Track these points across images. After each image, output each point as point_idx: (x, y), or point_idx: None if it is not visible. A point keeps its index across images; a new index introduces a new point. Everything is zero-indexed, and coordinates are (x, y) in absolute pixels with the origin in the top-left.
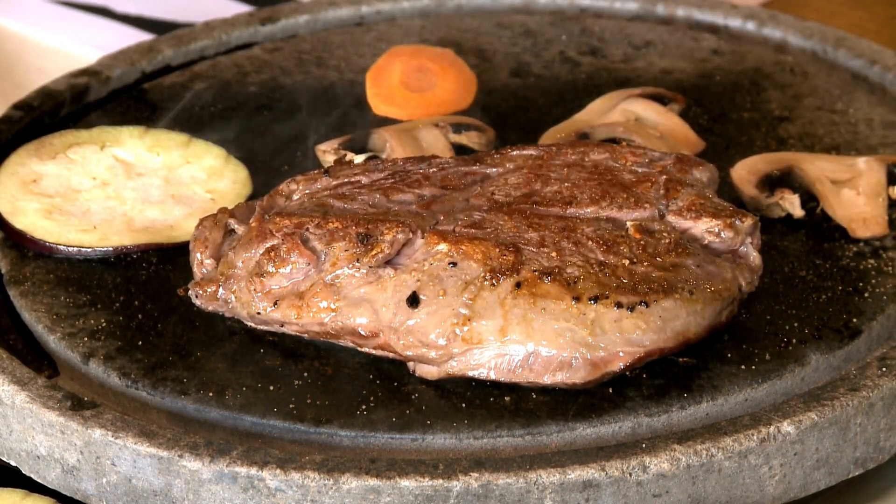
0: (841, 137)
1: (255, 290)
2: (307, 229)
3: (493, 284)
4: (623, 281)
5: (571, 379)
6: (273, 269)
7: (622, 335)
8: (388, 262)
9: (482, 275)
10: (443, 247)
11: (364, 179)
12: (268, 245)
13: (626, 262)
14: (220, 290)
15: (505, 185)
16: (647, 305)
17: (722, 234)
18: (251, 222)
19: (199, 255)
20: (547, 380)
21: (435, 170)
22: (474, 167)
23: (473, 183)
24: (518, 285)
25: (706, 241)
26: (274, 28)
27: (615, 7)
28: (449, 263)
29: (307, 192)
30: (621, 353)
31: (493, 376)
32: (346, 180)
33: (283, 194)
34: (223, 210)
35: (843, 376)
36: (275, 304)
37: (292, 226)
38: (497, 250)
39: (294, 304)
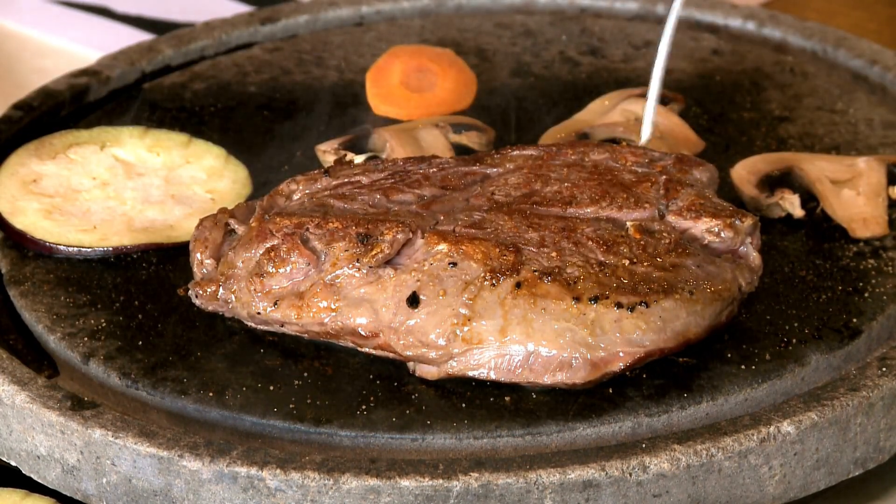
0: (841, 137)
1: (255, 290)
2: (307, 229)
3: (493, 284)
4: (623, 281)
5: (571, 379)
6: (273, 269)
7: (622, 335)
8: (389, 263)
9: (482, 275)
10: (443, 247)
11: (364, 179)
12: (268, 245)
13: (627, 262)
14: (220, 290)
15: (505, 185)
16: (648, 306)
17: (722, 234)
18: (251, 222)
19: (199, 255)
20: (547, 380)
21: (435, 170)
22: (474, 167)
23: (473, 183)
24: (518, 285)
25: (706, 241)
26: (274, 28)
27: (615, 7)
28: (449, 263)
29: (307, 192)
30: (621, 354)
31: (493, 376)
32: (346, 180)
33: (284, 194)
34: (223, 210)
35: (843, 376)
36: (275, 304)
37: (292, 226)
38: (497, 250)
39: (294, 305)
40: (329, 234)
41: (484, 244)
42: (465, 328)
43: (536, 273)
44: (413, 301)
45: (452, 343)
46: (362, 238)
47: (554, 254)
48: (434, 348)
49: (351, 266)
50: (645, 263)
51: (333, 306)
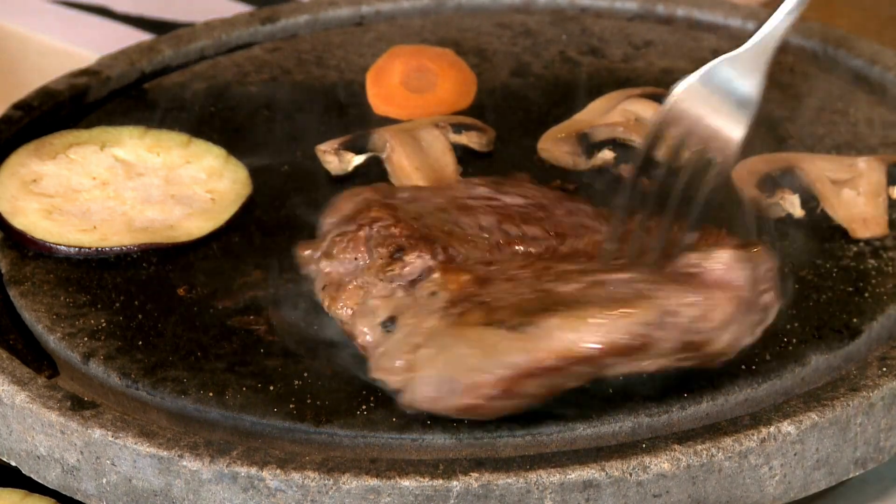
0: (841, 137)
1: (322, 267)
2: (374, 228)
3: (446, 314)
4: (534, 304)
5: (473, 403)
6: (335, 252)
7: (502, 357)
8: (412, 282)
9: (444, 305)
10: (437, 276)
11: (502, 200)
12: (344, 229)
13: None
14: (314, 254)
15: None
16: (534, 325)
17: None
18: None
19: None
20: (454, 407)
21: (563, 212)
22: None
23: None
24: (461, 315)
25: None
26: (274, 28)
27: (615, 7)
28: (431, 293)
29: (455, 195)
30: (497, 376)
31: (426, 407)
32: (484, 194)
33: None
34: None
35: (843, 376)
36: (323, 287)
37: (373, 220)
38: (468, 280)
39: (330, 294)
40: (382, 238)
41: (464, 275)
42: (412, 356)
43: (480, 302)
44: (389, 324)
45: (404, 373)
46: (396, 252)
47: (510, 285)
48: (393, 374)
49: (377, 275)
50: (573, 284)
51: (352, 309)
